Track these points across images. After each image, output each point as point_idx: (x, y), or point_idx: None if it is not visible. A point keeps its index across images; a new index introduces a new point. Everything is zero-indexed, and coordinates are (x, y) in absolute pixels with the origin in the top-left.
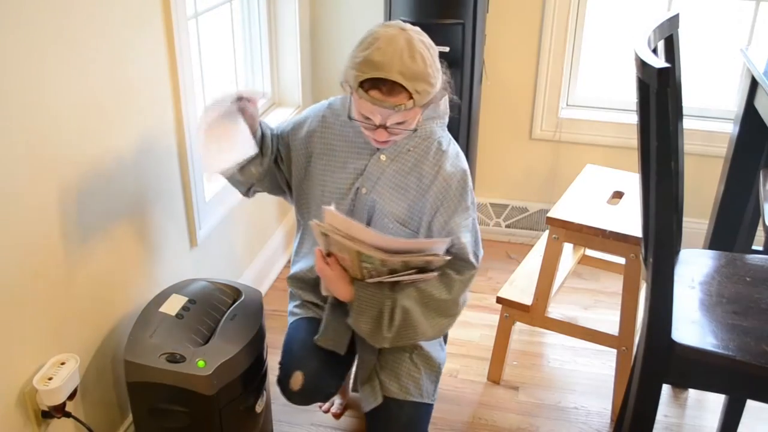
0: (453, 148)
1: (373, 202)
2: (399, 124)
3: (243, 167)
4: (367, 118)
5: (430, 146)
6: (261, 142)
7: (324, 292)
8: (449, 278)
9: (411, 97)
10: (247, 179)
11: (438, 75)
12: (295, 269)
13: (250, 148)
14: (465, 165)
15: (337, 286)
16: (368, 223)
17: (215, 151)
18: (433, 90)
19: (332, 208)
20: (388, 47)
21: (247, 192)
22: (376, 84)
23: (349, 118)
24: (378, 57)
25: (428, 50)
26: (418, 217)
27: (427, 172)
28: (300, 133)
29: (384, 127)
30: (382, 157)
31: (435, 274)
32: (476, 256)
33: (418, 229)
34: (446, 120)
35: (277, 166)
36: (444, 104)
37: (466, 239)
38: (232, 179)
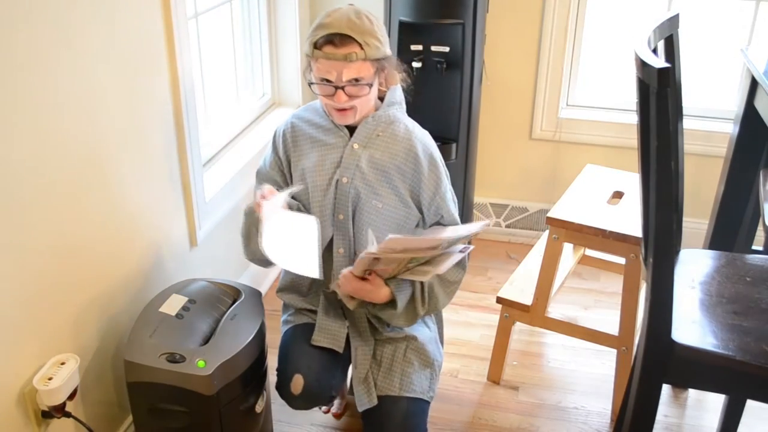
0: (418, 128)
1: (357, 190)
2: (354, 82)
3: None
4: (326, 81)
5: (398, 129)
6: None
7: (352, 307)
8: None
9: (361, 48)
10: None
11: (385, 41)
12: (284, 281)
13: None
14: (432, 141)
15: (376, 294)
16: (354, 211)
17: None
18: (382, 48)
19: (394, 235)
20: (335, 13)
21: None
22: (329, 39)
23: (309, 85)
24: (328, 20)
25: (375, 19)
26: (404, 195)
27: (399, 151)
28: (278, 150)
29: (342, 88)
30: (355, 146)
31: (459, 254)
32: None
33: (412, 205)
34: (404, 106)
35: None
36: (399, 92)
37: (453, 209)
38: None
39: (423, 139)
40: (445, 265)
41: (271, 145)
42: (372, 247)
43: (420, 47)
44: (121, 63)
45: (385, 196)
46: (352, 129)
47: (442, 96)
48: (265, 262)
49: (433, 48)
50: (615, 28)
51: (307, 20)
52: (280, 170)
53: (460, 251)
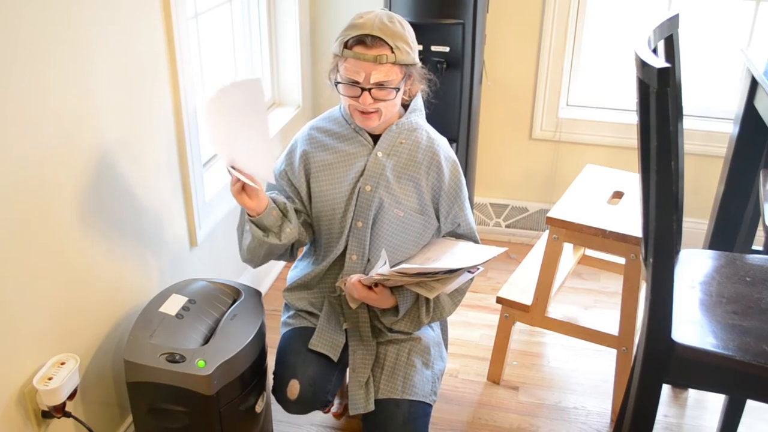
0: (440, 136)
1: (381, 198)
2: (381, 86)
3: (280, 232)
4: (353, 82)
5: (420, 136)
6: (279, 207)
7: (353, 306)
8: None
9: (392, 52)
10: (288, 240)
11: (414, 48)
12: (292, 279)
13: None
14: (452, 151)
15: (381, 302)
16: (375, 218)
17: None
18: (411, 53)
19: (408, 265)
20: (368, 15)
21: (291, 254)
22: (360, 39)
23: (336, 85)
24: (360, 21)
25: (407, 25)
26: (426, 203)
27: (423, 159)
28: (294, 162)
29: (368, 90)
30: (379, 154)
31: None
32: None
33: (432, 214)
34: (424, 113)
35: (297, 211)
36: (420, 99)
37: (470, 218)
38: (273, 254)
39: (445, 147)
40: (453, 285)
41: (285, 154)
42: (384, 269)
43: (420, 47)
44: (121, 63)
45: (406, 205)
46: (374, 137)
47: (442, 96)
48: (258, 262)
49: (433, 48)
50: (615, 28)
51: (307, 21)
52: (289, 181)
53: (469, 271)
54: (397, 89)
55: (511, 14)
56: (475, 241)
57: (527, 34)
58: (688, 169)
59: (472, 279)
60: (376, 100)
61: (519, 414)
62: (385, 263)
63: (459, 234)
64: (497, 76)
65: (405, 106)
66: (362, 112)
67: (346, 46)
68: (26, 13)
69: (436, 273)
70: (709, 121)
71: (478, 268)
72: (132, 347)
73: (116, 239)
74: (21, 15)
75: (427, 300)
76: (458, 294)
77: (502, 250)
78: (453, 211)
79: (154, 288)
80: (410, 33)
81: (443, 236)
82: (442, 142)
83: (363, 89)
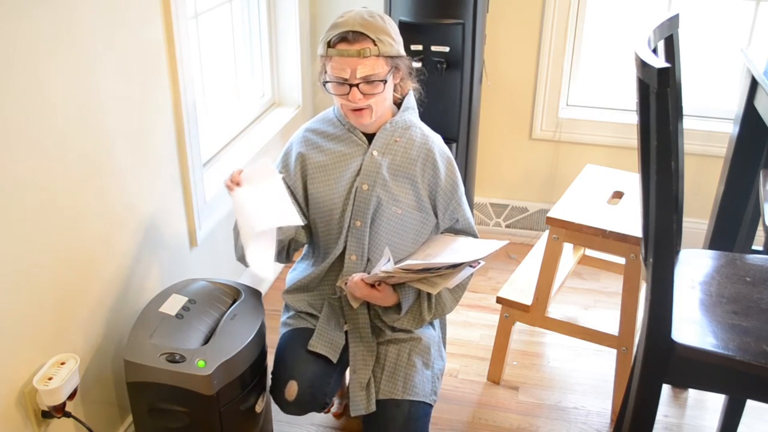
0: (434, 133)
1: (379, 197)
2: (368, 80)
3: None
4: (340, 79)
5: (414, 134)
6: None
7: (355, 306)
8: None
9: (375, 44)
10: (285, 236)
11: (399, 41)
12: (291, 281)
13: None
14: (447, 147)
15: (384, 300)
16: (373, 216)
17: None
18: (395, 46)
19: (414, 261)
20: (348, 14)
21: (288, 255)
22: (342, 36)
23: (324, 84)
24: (341, 20)
25: (388, 19)
26: (423, 199)
27: (418, 157)
28: (290, 164)
29: (356, 85)
30: (374, 153)
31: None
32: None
33: (429, 210)
34: (416, 111)
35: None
36: (412, 97)
37: (468, 213)
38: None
39: (439, 143)
40: (455, 280)
41: (280, 158)
42: (388, 266)
43: (420, 47)
44: (121, 63)
45: (404, 202)
46: (368, 136)
47: (442, 96)
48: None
49: (433, 48)
50: (615, 28)
51: (307, 20)
52: (286, 184)
53: (470, 266)
54: (385, 81)
55: (511, 14)
56: (474, 236)
57: (527, 34)
58: (688, 169)
59: (472, 274)
60: (365, 95)
61: (519, 414)
62: (388, 260)
63: (458, 230)
64: (497, 76)
65: (398, 105)
66: (354, 110)
67: (330, 45)
68: (27, 12)
69: (439, 268)
70: (709, 121)
71: (479, 263)
72: (132, 347)
73: (116, 239)
74: (22, 15)
75: (429, 296)
76: (459, 290)
77: (502, 243)
78: (451, 207)
79: (154, 288)
80: (392, 26)
81: (442, 232)
82: (436, 139)
83: (351, 85)
